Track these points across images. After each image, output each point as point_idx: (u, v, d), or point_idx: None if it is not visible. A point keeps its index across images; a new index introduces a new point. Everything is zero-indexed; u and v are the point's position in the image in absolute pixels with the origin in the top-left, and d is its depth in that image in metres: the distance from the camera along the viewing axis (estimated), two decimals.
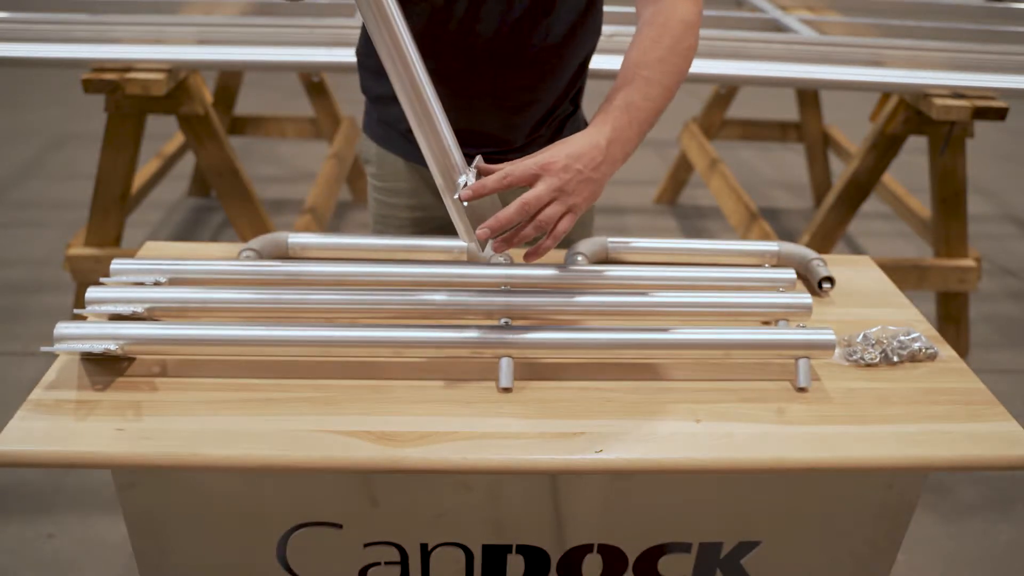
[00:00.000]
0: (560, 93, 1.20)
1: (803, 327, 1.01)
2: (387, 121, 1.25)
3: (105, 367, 0.94)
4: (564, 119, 1.26)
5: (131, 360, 0.96)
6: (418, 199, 1.29)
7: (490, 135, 1.19)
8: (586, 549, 0.98)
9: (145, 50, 1.94)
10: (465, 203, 0.92)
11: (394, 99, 1.19)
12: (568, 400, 0.93)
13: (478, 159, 0.97)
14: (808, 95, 3.24)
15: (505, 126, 1.19)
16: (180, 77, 1.96)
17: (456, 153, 0.94)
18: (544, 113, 1.21)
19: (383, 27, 0.89)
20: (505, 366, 0.93)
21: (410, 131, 1.20)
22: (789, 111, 3.46)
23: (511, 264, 1.13)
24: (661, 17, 1.00)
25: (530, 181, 0.91)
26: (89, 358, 0.95)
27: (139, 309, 0.97)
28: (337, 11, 2.25)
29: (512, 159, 1.21)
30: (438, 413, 0.90)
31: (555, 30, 1.11)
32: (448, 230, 1.30)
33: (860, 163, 2.17)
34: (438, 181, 0.94)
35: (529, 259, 0.96)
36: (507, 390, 0.93)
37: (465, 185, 0.92)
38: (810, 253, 1.21)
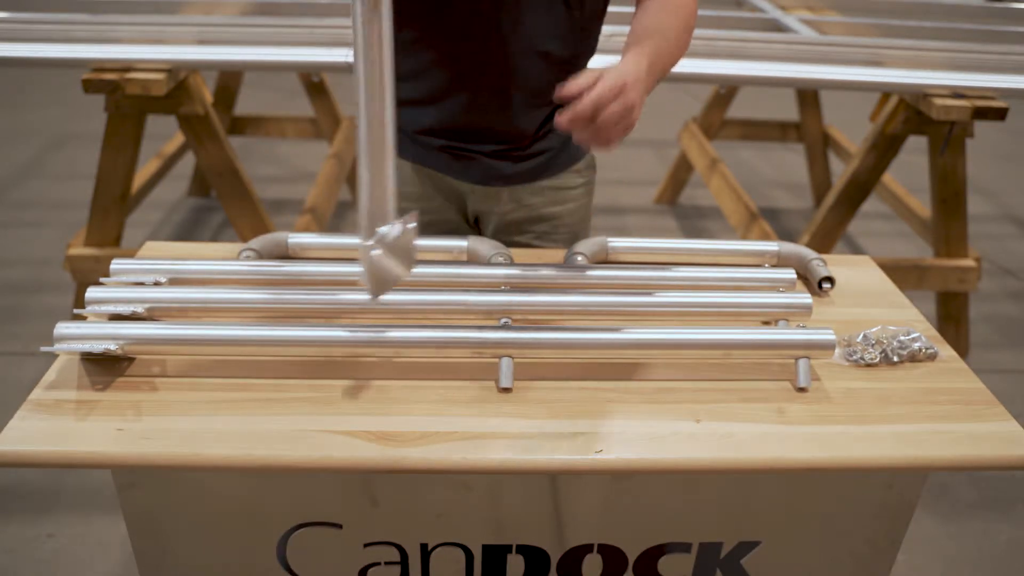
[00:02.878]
0: None
1: (803, 327, 1.01)
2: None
3: (105, 367, 0.94)
4: None
5: (131, 360, 0.96)
6: (426, 203, 1.29)
7: (502, 131, 1.20)
8: (586, 549, 0.98)
9: (145, 50, 1.94)
10: (374, 253, 0.86)
11: (402, 101, 1.20)
12: (568, 400, 0.93)
13: (412, 214, 0.91)
14: (808, 95, 3.24)
15: (520, 121, 1.20)
16: (180, 77, 1.96)
17: (392, 201, 0.89)
18: (552, 109, 1.21)
19: (375, 63, 0.85)
20: (505, 366, 0.93)
21: (419, 133, 1.22)
22: (789, 111, 3.46)
23: (511, 264, 1.14)
24: None
25: (616, 94, 0.91)
26: (89, 358, 0.95)
27: (139, 309, 0.97)
28: (337, 11, 2.25)
29: (515, 156, 1.22)
30: (438, 413, 0.90)
31: (575, 29, 1.14)
32: (453, 233, 1.31)
33: (860, 163, 2.17)
34: (361, 222, 0.87)
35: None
36: (507, 390, 0.93)
37: (385, 235, 0.86)
38: (810, 253, 1.21)
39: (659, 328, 0.99)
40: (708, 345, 0.97)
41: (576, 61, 1.19)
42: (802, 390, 0.96)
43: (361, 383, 0.94)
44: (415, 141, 1.24)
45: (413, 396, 0.92)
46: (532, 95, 1.17)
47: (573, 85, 0.91)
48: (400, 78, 1.19)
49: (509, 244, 1.30)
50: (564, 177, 1.29)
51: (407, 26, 1.10)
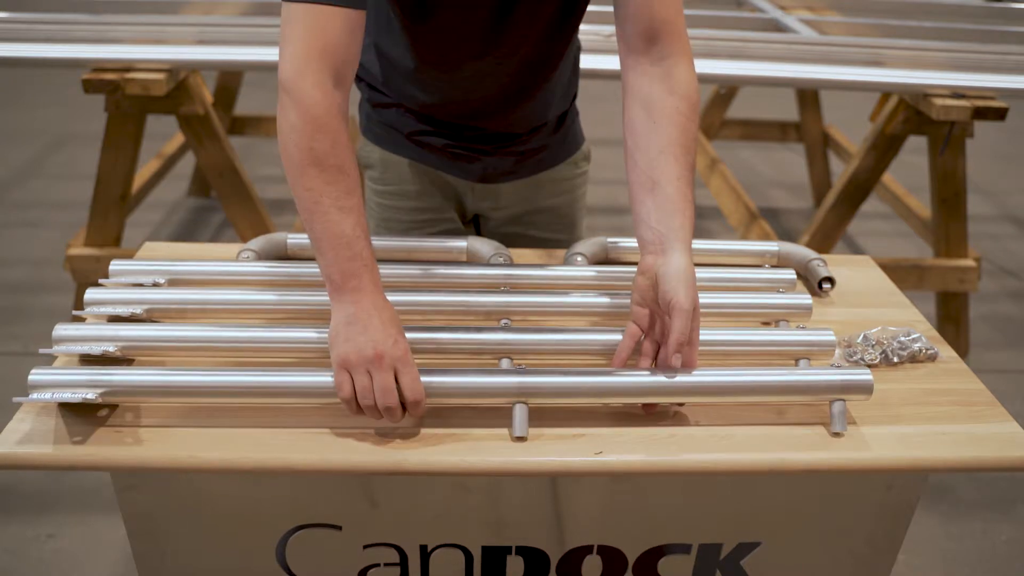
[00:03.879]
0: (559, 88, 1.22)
1: (803, 328, 1.01)
2: (392, 125, 1.25)
3: (105, 368, 0.94)
4: (562, 114, 1.28)
5: (130, 362, 0.96)
6: (425, 201, 1.29)
7: (503, 131, 1.21)
8: (586, 550, 0.98)
9: (145, 50, 1.94)
10: None
11: (398, 106, 1.20)
12: (568, 401, 0.92)
13: None
14: (808, 95, 3.23)
15: (520, 118, 1.21)
16: (180, 77, 1.96)
17: None
18: (551, 102, 1.23)
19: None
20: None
21: (419, 135, 1.22)
22: (789, 111, 3.46)
23: (511, 265, 1.13)
24: (681, 88, 0.95)
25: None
26: (89, 360, 0.94)
27: (138, 310, 0.97)
28: None
29: (516, 152, 1.23)
30: (437, 414, 0.89)
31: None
32: (452, 231, 1.31)
33: (860, 163, 2.16)
34: None
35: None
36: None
37: None
38: (810, 253, 1.21)
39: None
40: (708, 346, 0.97)
41: (567, 53, 1.19)
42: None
43: None
44: (413, 141, 1.24)
45: None
46: (529, 92, 1.18)
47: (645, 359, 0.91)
48: (398, 95, 1.19)
49: (509, 236, 1.31)
50: (562, 168, 1.31)
51: (409, 46, 1.10)
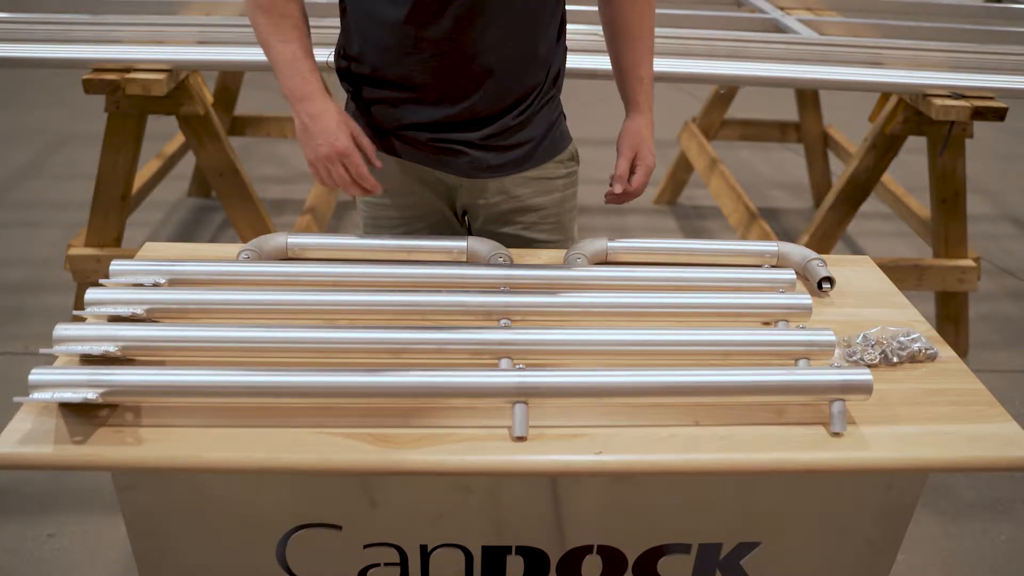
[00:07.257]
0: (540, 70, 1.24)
1: (803, 328, 1.01)
2: (378, 123, 1.26)
3: (105, 368, 0.94)
4: (547, 98, 1.29)
5: (130, 362, 0.96)
6: (412, 198, 1.30)
7: (485, 121, 1.22)
8: (586, 550, 0.98)
9: (145, 50, 1.94)
10: None
11: (383, 100, 1.21)
12: (567, 402, 0.92)
13: None
14: (808, 95, 3.23)
15: (502, 109, 1.22)
16: (180, 77, 1.96)
17: None
18: (533, 96, 1.24)
19: None
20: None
21: (404, 128, 1.23)
22: (789, 111, 3.46)
23: (511, 265, 1.14)
24: None
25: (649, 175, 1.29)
26: (89, 360, 0.94)
27: (138, 311, 0.97)
28: (336, 11, 2.24)
29: (500, 147, 1.24)
30: (437, 415, 0.90)
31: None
32: (440, 228, 1.32)
33: (860, 163, 2.17)
34: None
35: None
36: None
37: None
38: (810, 253, 1.21)
39: (659, 329, 0.99)
40: (708, 346, 0.97)
41: (547, 49, 1.21)
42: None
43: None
44: (399, 137, 1.25)
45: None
46: (511, 83, 1.19)
47: (620, 184, 1.26)
48: (382, 83, 1.20)
49: (498, 236, 1.32)
50: (548, 167, 1.32)
51: (389, 35, 1.12)
